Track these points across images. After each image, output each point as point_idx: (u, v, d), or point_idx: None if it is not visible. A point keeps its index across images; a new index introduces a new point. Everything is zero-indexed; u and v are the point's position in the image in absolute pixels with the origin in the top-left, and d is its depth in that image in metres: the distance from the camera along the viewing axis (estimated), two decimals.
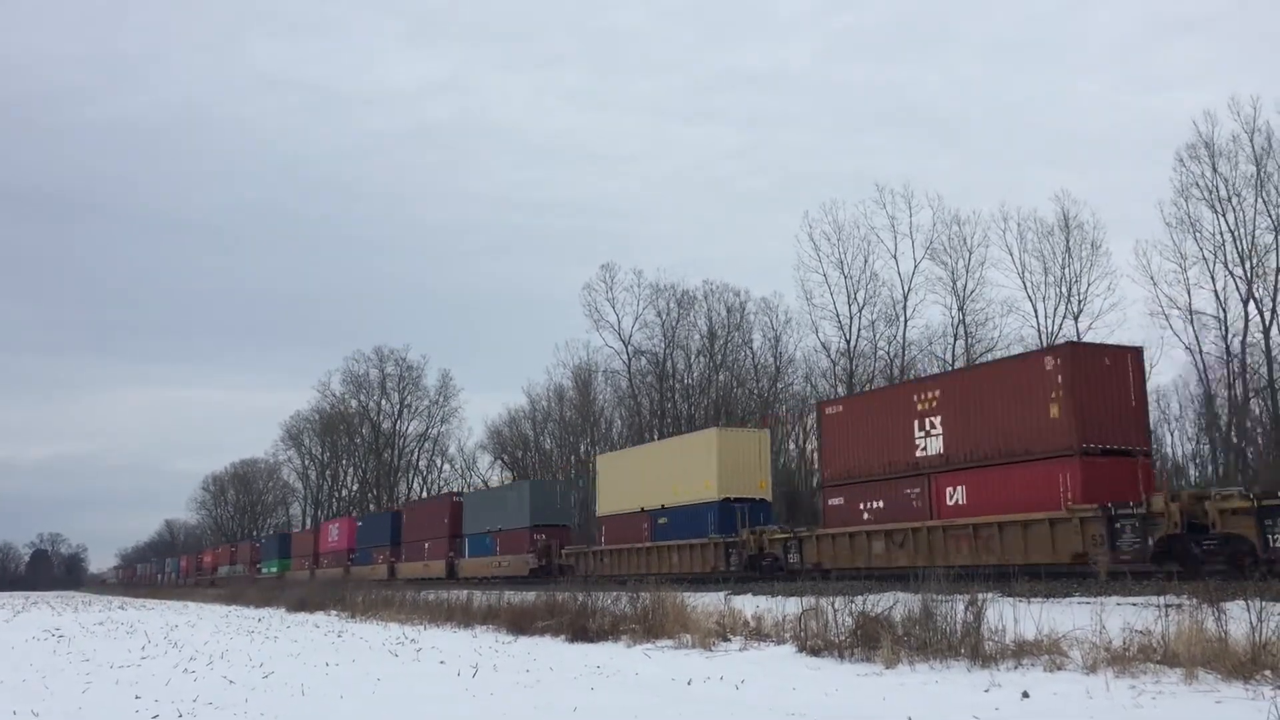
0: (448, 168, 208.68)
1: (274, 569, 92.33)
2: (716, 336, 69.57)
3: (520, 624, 25.23)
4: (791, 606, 19.47)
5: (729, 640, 19.36)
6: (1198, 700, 11.04)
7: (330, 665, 18.53)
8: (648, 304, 71.69)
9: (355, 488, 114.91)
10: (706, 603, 23.25)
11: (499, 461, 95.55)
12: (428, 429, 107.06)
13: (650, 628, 21.19)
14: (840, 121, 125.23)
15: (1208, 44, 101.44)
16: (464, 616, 29.31)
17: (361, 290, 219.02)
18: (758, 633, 19.55)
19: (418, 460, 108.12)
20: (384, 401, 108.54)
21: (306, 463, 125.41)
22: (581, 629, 22.43)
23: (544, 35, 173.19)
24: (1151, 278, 48.86)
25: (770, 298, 68.23)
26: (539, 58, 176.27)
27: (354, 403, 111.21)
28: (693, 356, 70.83)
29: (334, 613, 39.31)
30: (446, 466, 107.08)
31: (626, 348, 72.50)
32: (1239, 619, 12.83)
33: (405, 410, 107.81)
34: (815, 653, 16.75)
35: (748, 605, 22.92)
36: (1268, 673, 11.59)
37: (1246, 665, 11.82)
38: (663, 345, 71.12)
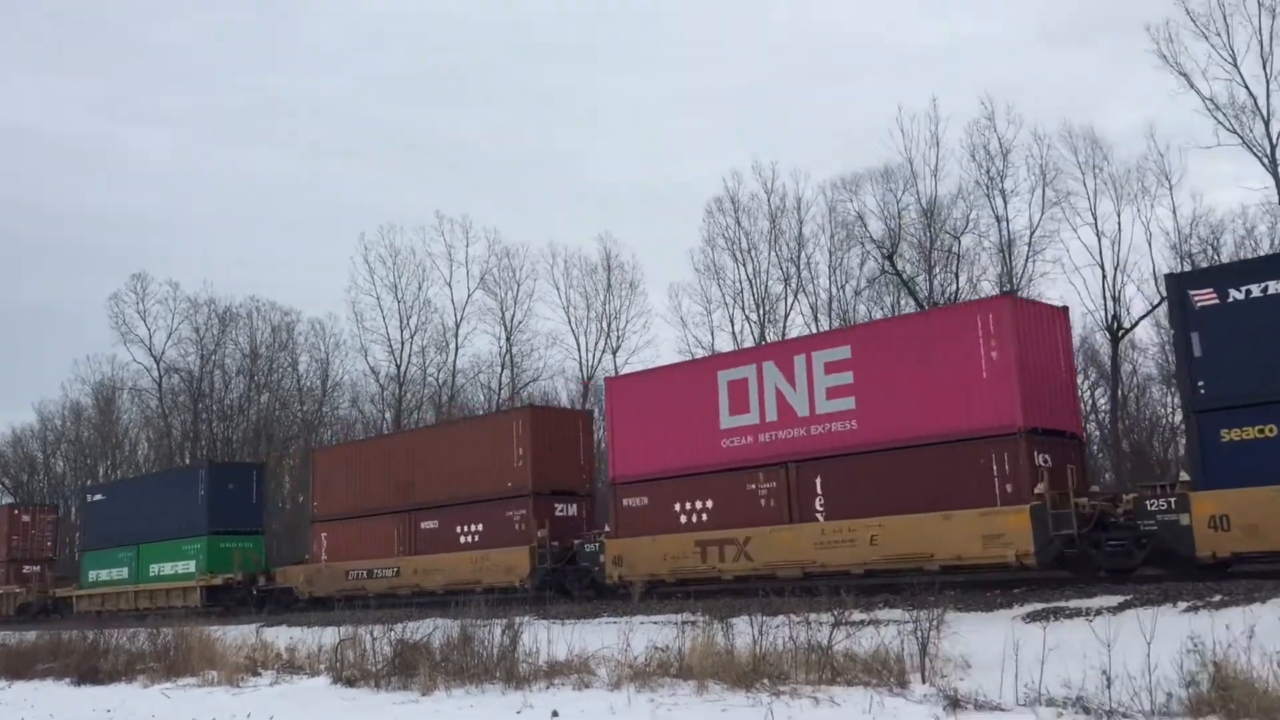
0: None
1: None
2: (260, 356, 66.49)
3: (17, 667, 22.53)
4: (329, 637, 18.92)
5: (259, 675, 18.44)
6: (707, 709, 12.00)
7: None
8: (184, 319, 67.06)
9: None
10: (235, 636, 22.00)
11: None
12: None
13: (172, 665, 19.73)
14: (379, 155, 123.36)
15: (714, 119, 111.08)
16: None
17: None
18: (291, 665, 18.78)
19: None
20: None
21: None
22: (91, 670, 20.43)
23: (76, 43, 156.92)
24: (681, 319, 52.98)
25: (323, 319, 66.18)
26: (68, 65, 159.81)
27: None
28: (232, 376, 67.15)
29: None
30: None
31: (158, 364, 67.33)
32: (745, 633, 14.13)
33: None
34: (351, 683, 16.38)
35: (281, 637, 21.98)
36: (766, 681, 12.84)
37: (748, 675, 13.03)
38: (199, 363, 66.86)
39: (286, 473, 60.64)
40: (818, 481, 21.17)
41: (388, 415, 59.06)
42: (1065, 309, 21.17)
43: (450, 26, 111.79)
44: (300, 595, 32.91)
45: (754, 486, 22.09)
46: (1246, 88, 36.17)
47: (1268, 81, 35.81)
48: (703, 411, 22.98)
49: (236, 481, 38.58)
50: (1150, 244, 41.12)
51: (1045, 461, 18.90)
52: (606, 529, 25.02)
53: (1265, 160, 36.01)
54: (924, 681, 12.20)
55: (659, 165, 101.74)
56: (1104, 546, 18.29)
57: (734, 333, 51.15)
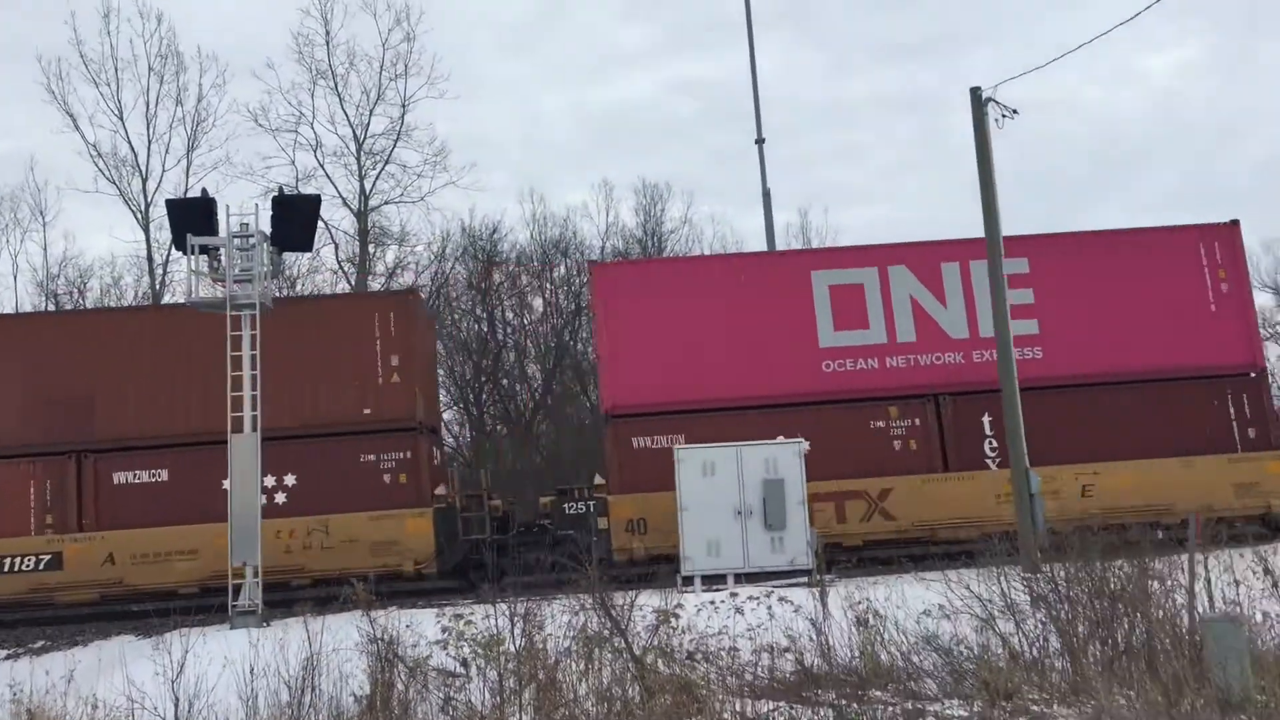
0: None
1: None
2: None
3: None
4: None
5: None
6: None
7: None
8: None
9: None
10: None
11: None
12: None
13: None
14: None
15: None
16: None
17: None
18: None
19: None
20: None
21: None
22: None
23: None
24: None
25: None
26: None
27: None
28: None
29: None
30: None
31: None
32: None
33: None
34: None
35: None
36: None
37: None
38: None
39: None
40: (985, 420, 18.00)
41: None
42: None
43: None
44: None
45: (883, 424, 18.21)
46: (130, 143, 35.26)
47: (150, 141, 35.32)
48: (786, 323, 18.40)
49: None
50: (16, 278, 39.27)
51: None
52: (598, 480, 18.56)
53: (139, 215, 35.39)
54: None
55: None
56: None
57: None
